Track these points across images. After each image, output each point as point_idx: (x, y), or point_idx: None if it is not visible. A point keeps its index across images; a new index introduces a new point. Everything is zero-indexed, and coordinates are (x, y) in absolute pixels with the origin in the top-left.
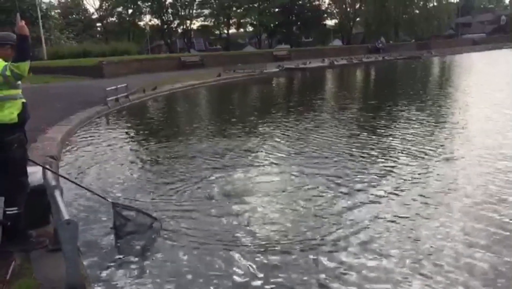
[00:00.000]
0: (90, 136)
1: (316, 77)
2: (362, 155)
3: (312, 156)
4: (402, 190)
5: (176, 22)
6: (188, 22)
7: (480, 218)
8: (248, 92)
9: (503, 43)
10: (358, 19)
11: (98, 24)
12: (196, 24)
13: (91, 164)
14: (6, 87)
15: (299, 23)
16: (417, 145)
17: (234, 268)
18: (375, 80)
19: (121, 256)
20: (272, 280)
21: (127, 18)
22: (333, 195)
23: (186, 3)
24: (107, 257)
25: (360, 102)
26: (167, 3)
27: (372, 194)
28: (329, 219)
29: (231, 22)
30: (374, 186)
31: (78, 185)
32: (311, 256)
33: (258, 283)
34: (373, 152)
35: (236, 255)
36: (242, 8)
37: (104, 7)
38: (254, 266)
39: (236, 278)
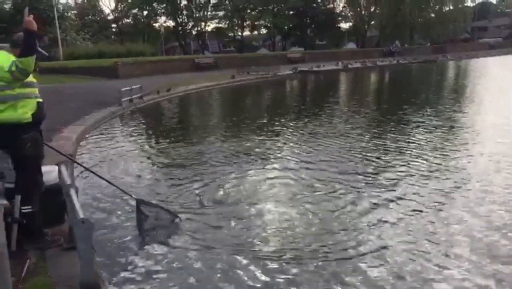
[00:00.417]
0: (105, 136)
1: (329, 80)
2: (378, 160)
3: (329, 160)
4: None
5: (191, 24)
6: (203, 24)
7: None
8: (261, 94)
9: None
10: (372, 22)
11: (114, 25)
12: (210, 26)
13: (105, 163)
14: (18, 85)
15: (313, 25)
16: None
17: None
18: (389, 84)
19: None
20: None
21: (142, 20)
22: (349, 201)
23: (201, 5)
24: (118, 255)
25: (373, 106)
26: (182, 5)
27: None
28: (351, 227)
29: (245, 24)
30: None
31: (106, 180)
32: (330, 268)
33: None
34: (388, 158)
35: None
36: (257, 10)
37: (119, 9)
38: (270, 275)
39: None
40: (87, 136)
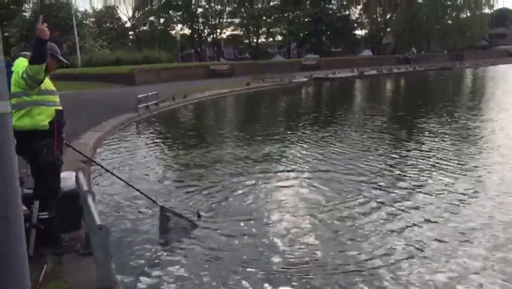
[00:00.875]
0: (121, 142)
1: (345, 87)
2: (395, 171)
3: (343, 169)
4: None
5: (207, 31)
6: (218, 31)
7: None
8: (276, 101)
9: None
10: (388, 29)
11: (131, 33)
12: (226, 33)
13: (122, 169)
14: (35, 92)
15: (328, 32)
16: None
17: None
18: (405, 92)
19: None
20: None
21: (159, 27)
22: (363, 212)
23: (217, 12)
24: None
25: (389, 113)
26: (198, 12)
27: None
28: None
29: (260, 31)
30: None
31: (131, 186)
32: (343, 280)
33: None
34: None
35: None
36: (272, 18)
37: (136, 16)
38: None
39: None
40: (104, 142)
